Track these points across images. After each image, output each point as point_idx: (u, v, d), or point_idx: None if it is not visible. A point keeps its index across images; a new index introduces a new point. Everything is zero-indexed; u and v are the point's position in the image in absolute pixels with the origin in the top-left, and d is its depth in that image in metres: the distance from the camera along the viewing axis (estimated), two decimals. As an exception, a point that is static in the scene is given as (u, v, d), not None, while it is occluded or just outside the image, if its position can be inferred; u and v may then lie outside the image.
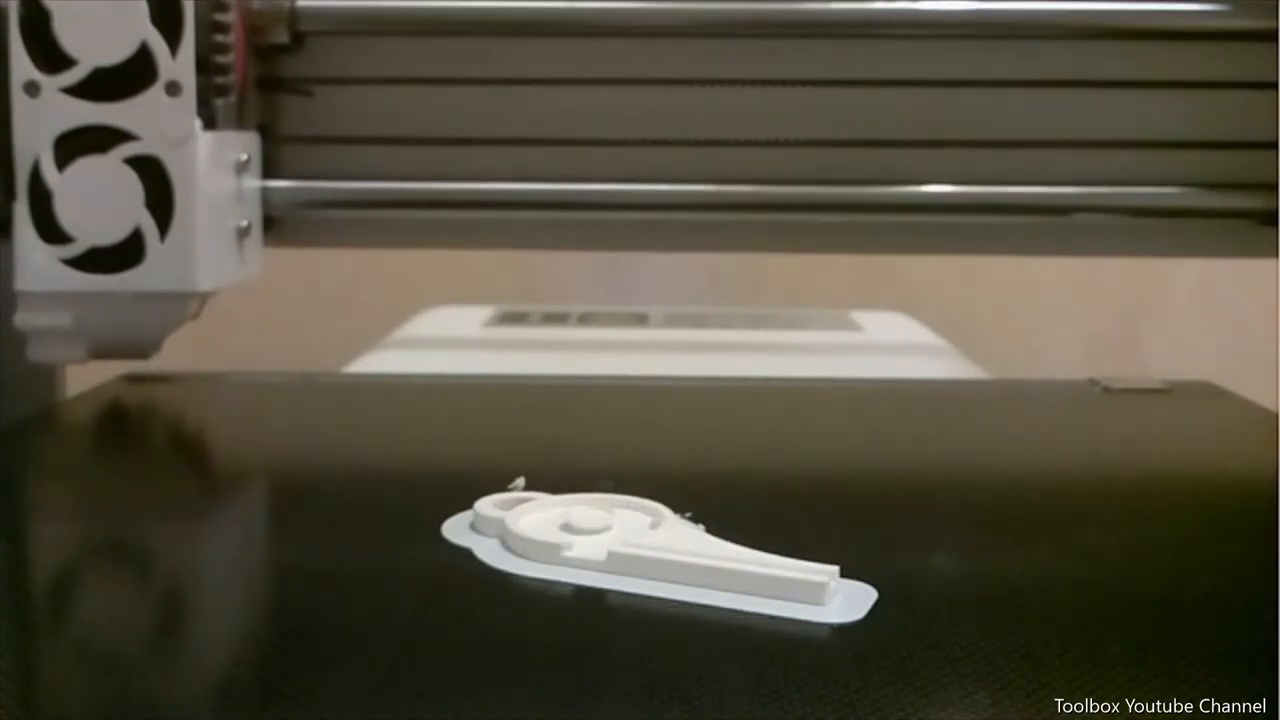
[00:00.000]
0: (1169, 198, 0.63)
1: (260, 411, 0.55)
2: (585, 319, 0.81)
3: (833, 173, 0.63)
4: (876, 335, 0.78)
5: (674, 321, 0.81)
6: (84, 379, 0.58)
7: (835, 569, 0.30)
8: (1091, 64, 0.63)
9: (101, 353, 0.55)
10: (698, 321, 0.81)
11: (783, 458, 0.46)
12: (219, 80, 0.54)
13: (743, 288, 1.13)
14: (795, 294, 1.11)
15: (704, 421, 0.51)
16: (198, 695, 0.26)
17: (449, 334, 0.78)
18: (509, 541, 0.33)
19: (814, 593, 0.29)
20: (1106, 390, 0.57)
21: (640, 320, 0.81)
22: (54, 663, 0.28)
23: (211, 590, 0.33)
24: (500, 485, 0.33)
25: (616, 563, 0.31)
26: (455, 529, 0.35)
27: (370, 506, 0.40)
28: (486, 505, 0.34)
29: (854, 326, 0.80)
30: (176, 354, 0.58)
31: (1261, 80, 0.62)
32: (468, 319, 0.81)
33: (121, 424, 0.52)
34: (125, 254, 0.52)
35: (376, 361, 0.70)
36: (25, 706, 0.26)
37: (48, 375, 0.64)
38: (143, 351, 0.56)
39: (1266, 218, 0.62)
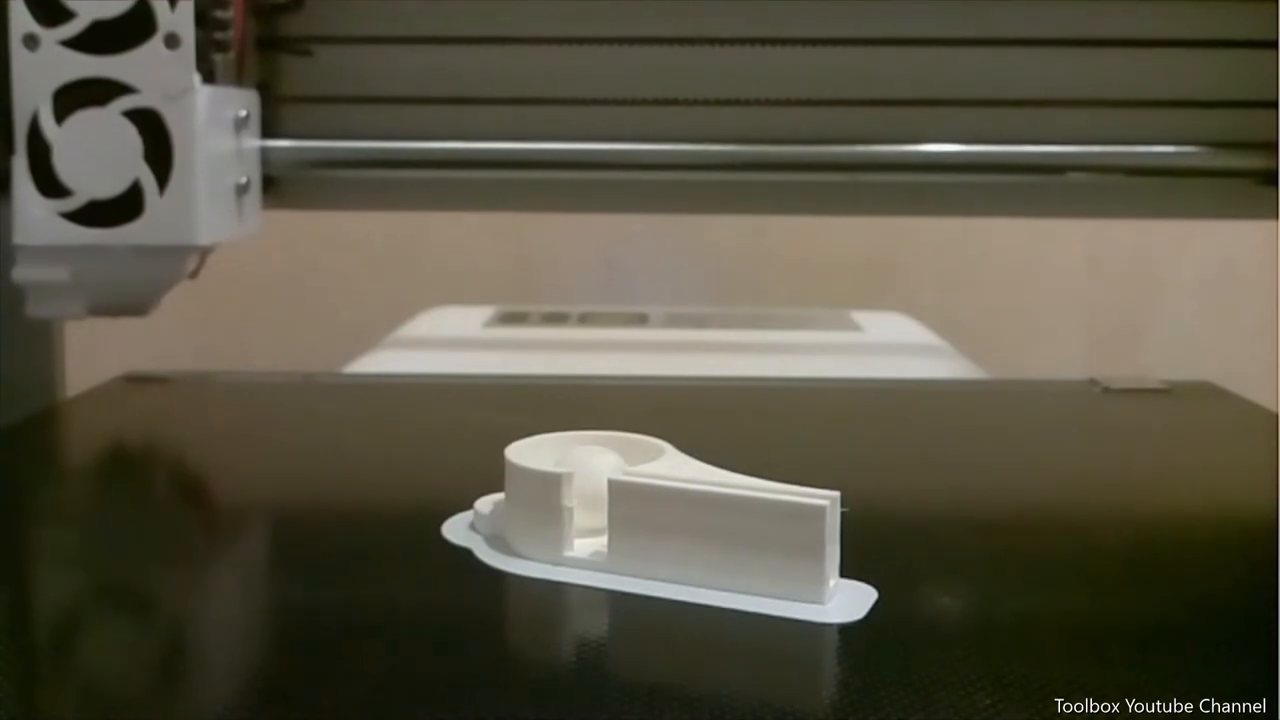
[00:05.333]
0: (1168, 157, 0.63)
1: (260, 411, 0.55)
2: (585, 319, 0.81)
3: (831, 132, 0.63)
4: (876, 335, 0.78)
5: (674, 321, 0.81)
6: (84, 379, 0.58)
7: (836, 494, 0.29)
8: (1090, 22, 0.62)
9: (100, 309, 0.55)
10: (698, 321, 0.81)
11: (782, 458, 0.46)
12: (218, 36, 0.54)
13: (743, 288, 1.13)
14: (796, 294, 1.11)
15: (704, 421, 0.51)
16: (198, 694, 0.26)
17: (449, 334, 0.78)
18: (509, 475, 0.33)
19: (815, 516, 0.29)
20: (1106, 390, 0.57)
21: (640, 320, 0.81)
22: (52, 661, 0.28)
23: (210, 590, 0.33)
24: (500, 485, 0.33)
25: (618, 490, 0.31)
26: (455, 529, 0.35)
27: (370, 506, 0.40)
28: (486, 505, 0.34)
29: (854, 326, 0.80)
30: (177, 354, 0.58)
31: (1261, 39, 0.61)
32: (468, 319, 0.81)
33: (121, 424, 0.52)
34: (124, 207, 0.52)
35: (376, 361, 0.70)
36: (24, 707, 0.26)
37: (48, 375, 0.64)
38: (141, 308, 0.55)
39: (1266, 178, 0.62)
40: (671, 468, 0.32)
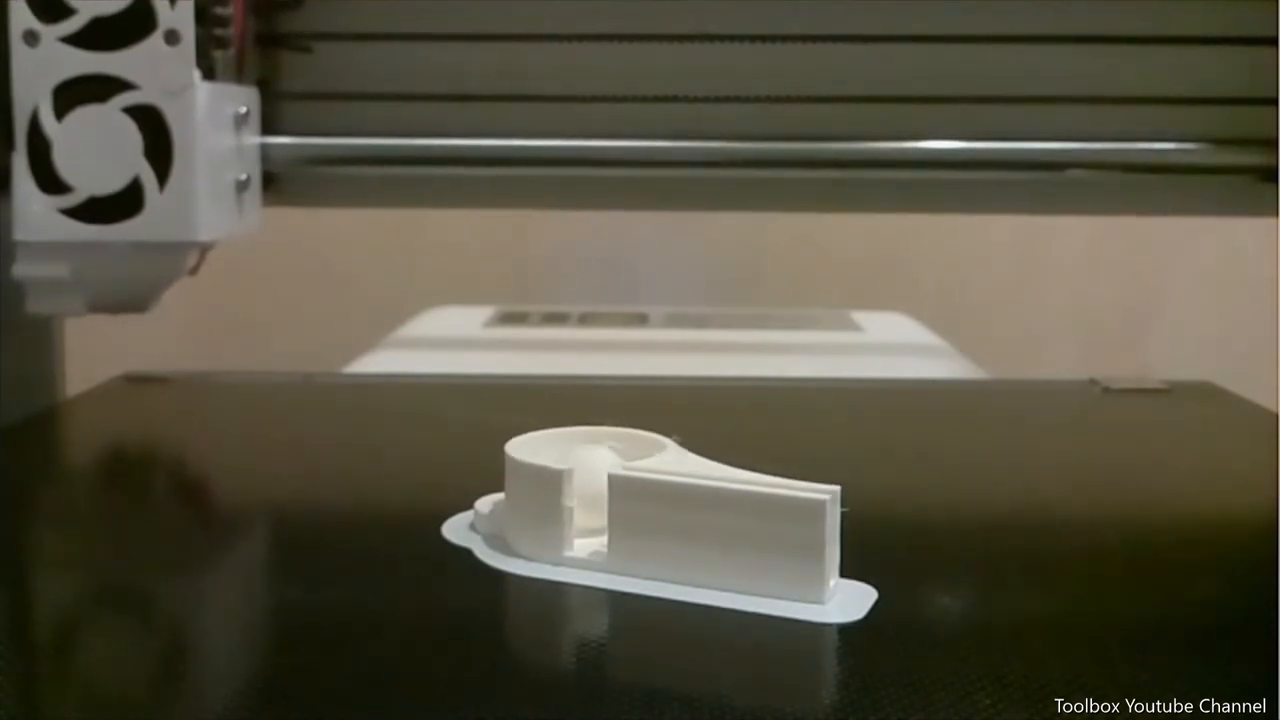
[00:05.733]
0: (1168, 154, 0.62)
1: (260, 411, 0.55)
2: (585, 319, 0.81)
3: (832, 129, 0.63)
4: (876, 335, 0.78)
5: (674, 321, 0.81)
6: (84, 379, 0.58)
7: (837, 488, 0.29)
8: (1090, 19, 0.62)
9: (100, 306, 0.55)
10: (698, 321, 0.81)
11: (782, 457, 0.46)
12: (218, 32, 0.54)
13: (743, 288, 1.13)
14: (795, 294, 1.11)
15: (704, 421, 0.51)
16: (197, 694, 0.26)
17: (449, 334, 0.78)
18: (508, 468, 0.33)
19: (814, 510, 0.29)
20: (1106, 390, 0.57)
21: (640, 320, 0.81)
22: (51, 662, 0.28)
23: (210, 590, 0.33)
24: (500, 485, 0.33)
25: (618, 485, 0.31)
26: (455, 529, 0.35)
27: (370, 506, 0.40)
28: (486, 505, 0.34)
29: (854, 326, 0.80)
30: (176, 354, 0.58)
31: (1262, 35, 0.61)
32: (468, 319, 0.81)
33: (121, 424, 0.52)
34: (124, 204, 0.52)
35: (376, 361, 0.70)
36: (23, 707, 0.26)
37: (48, 375, 0.64)
38: (141, 305, 0.55)
39: (1267, 174, 0.62)
40: (671, 463, 0.32)
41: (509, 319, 0.81)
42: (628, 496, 0.31)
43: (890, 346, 0.77)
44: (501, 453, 0.33)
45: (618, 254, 1.14)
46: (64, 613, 0.31)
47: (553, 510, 0.31)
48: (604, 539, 0.31)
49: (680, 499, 0.30)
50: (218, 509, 0.42)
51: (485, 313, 0.82)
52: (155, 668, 0.28)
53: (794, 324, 0.81)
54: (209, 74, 0.53)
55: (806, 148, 0.63)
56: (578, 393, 0.57)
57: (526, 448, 0.33)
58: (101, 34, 0.51)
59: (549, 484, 0.31)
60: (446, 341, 0.77)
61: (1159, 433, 0.51)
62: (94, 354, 0.64)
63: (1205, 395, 0.57)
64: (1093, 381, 0.58)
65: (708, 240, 1.12)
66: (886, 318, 0.84)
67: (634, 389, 0.58)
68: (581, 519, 0.32)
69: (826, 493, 0.29)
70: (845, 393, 0.59)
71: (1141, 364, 1.13)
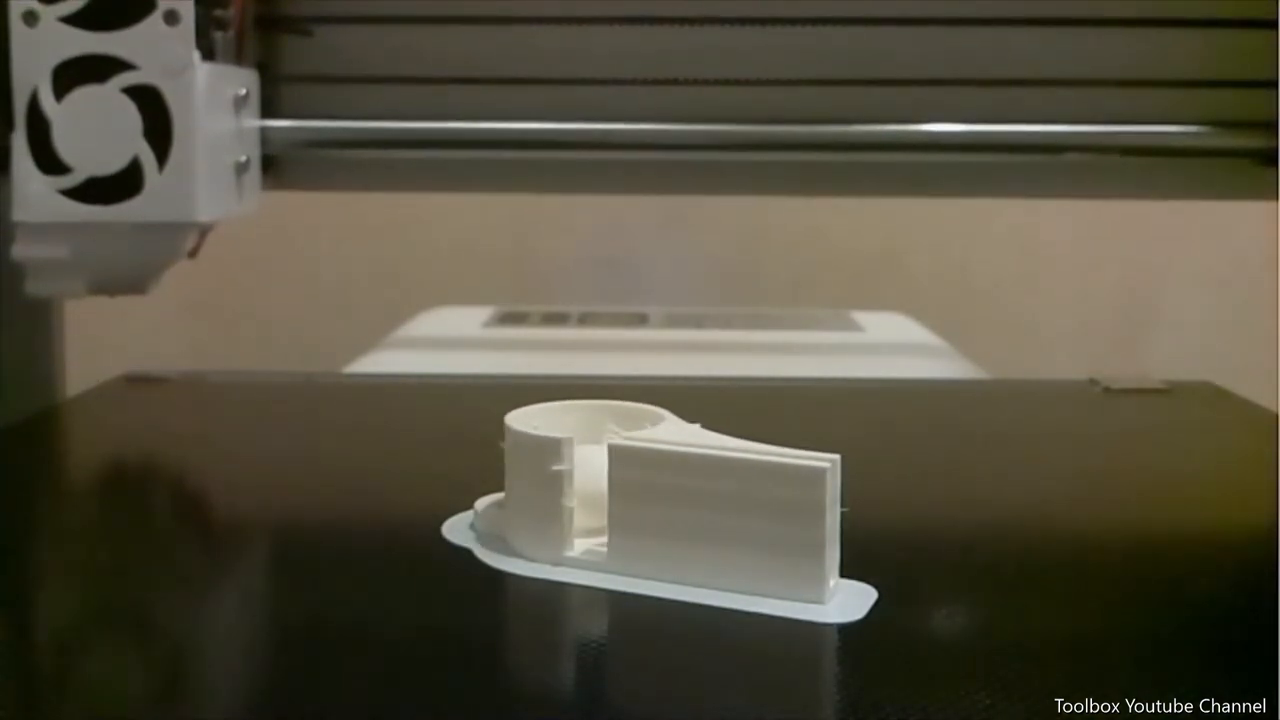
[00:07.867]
0: (1166, 137, 0.62)
1: (260, 412, 0.55)
2: (585, 319, 0.81)
3: (829, 112, 0.63)
4: (876, 335, 0.78)
5: (674, 321, 0.81)
6: (84, 379, 0.58)
7: (837, 456, 0.29)
8: (1089, 2, 0.62)
9: (99, 287, 0.55)
10: (698, 321, 0.81)
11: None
12: (218, 13, 0.54)
13: (742, 287, 1.13)
14: (795, 294, 1.11)
15: (703, 421, 0.51)
16: (197, 696, 0.26)
17: (449, 334, 0.78)
18: (509, 440, 0.33)
19: (814, 477, 0.29)
20: (1106, 390, 0.57)
21: (640, 320, 0.81)
22: (49, 667, 0.28)
23: (210, 589, 0.33)
24: (500, 485, 0.33)
25: (617, 455, 0.31)
26: (455, 529, 0.35)
27: (370, 507, 0.40)
28: (486, 505, 0.34)
29: (854, 326, 0.80)
30: (176, 354, 0.58)
31: (1260, 18, 0.61)
32: (468, 319, 0.81)
33: (121, 424, 0.52)
34: (124, 184, 0.52)
35: (376, 361, 0.70)
36: (21, 711, 0.26)
37: (48, 375, 0.64)
38: (140, 286, 0.55)
39: (1266, 157, 0.61)
40: (670, 433, 0.32)
41: (509, 319, 0.81)
42: (627, 466, 0.31)
43: (890, 346, 0.77)
44: (500, 454, 0.33)
45: (618, 254, 1.14)
46: (61, 618, 0.31)
47: (553, 510, 0.31)
48: (604, 539, 0.31)
49: (680, 467, 0.30)
50: (218, 510, 0.42)
51: (485, 313, 0.82)
52: (155, 670, 0.28)
53: (794, 324, 0.81)
54: (209, 55, 0.53)
55: (805, 131, 0.63)
56: (578, 392, 0.57)
57: (526, 420, 0.33)
58: (101, 14, 0.51)
59: (550, 484, 0.31)
60: (446, 341, 0.77)
61: (1159, 433, 0.51)
62: (94, 354, 0.64)
63: (1205, 395, 0.57)
64: (1093, 381, 0.58)
65: (708, 240, 1.12)
66: (886, 318, 0.84)
67: (634, 389, 0.58)
68: (581, 519, 0.32)
69: (827, 460, 0.29)
70: (845, 393, 0.59)
71: (1141, 364, 1.13)
